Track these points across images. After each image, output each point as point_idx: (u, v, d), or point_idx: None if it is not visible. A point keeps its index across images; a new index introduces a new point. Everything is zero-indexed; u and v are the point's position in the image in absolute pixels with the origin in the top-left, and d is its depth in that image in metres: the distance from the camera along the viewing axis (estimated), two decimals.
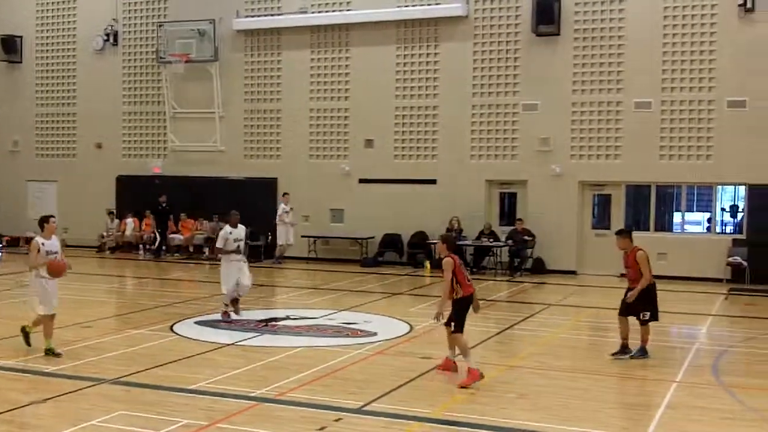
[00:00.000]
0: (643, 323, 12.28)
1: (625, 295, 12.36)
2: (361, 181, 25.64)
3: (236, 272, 15.21)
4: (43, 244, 11.79)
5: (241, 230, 15.36)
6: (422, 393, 10.25)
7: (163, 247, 27.07)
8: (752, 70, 21.49)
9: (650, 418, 9.26)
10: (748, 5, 21.47)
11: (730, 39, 21.78)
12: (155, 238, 27.22)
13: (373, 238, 25.33)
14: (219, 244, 15.30)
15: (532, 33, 23.45)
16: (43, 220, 12.03)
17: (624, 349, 12.34)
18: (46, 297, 11.80)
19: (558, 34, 23.23)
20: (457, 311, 11.06)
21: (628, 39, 22.68)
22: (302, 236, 25.90)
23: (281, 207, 25.08)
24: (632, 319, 12.35)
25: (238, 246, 15.28)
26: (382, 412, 9.29)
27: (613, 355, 12.31)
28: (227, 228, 15.22)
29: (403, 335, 14.01)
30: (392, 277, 22.56)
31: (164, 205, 27.04)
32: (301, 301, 18.16)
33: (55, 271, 11.81)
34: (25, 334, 12.26)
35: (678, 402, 9.97)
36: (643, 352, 12.28)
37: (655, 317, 12.34)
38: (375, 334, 14.10)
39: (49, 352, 11.75)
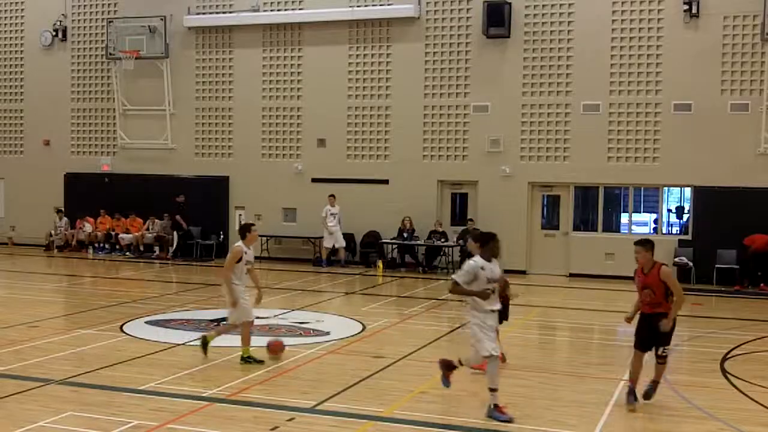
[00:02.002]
0: (662, 359, 9.84)
1: (646, 324, 9.76)
2: (314, 180, 25.63)
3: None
4: (245, 252, 11.65)
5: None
6: (375, 392, 10.31)
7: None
8: (697, 74, 21.94)
9: (599, 415, 9.42)
10: (693, 10, 21.93)
11: (676, 43, 22.22)
12: (109, 236, 26.95)
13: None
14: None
15: (482, 35, 23.66)
16: (245, 229, 11.80)
17: (633, 393, 9.86)
18: None
19: (508, 37, 23.48)
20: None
21: (576, 42, 23.02)
22: None
23: (326, 209, 24.34)
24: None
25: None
26: (335, 411, 9.34)
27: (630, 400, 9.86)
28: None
29: (355, 334, 14.07)
30: (345, 277, 22.60)
31: (182, 205, 26.44)
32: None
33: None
34: None
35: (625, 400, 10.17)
36: (653, 389, 9.95)
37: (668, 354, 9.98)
38: (328, 333, 14.14)
39: None
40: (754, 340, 14.16)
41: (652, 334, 9.67)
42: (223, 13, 26.49)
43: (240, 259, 11.61)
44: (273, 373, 11.01)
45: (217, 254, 25.68)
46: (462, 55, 24.13)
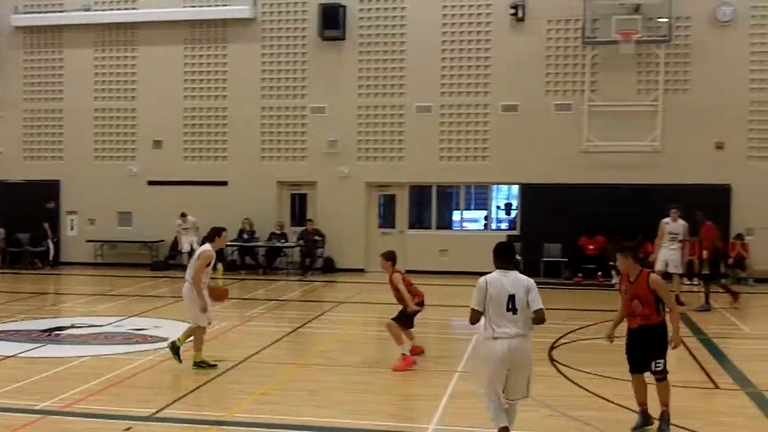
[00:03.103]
0: (659, 375, 8.65)
1: (636, 340, 8.73)
2: (150, 183, 25.12)
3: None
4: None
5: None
6: (215, 396, 10.32)
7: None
8: (523, 76, 23.00)
9: (435, 407, 9.73)
10: (519, 15, 22.96)
11: (503, 46, 23.20)
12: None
13: (163, 241, 24.90)
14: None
15: (318, 37, 23.90)
16: (217, 233, 11.73)
17: (645, 417, 8.78)
18: None
19: (343, 39, 23.83)
20: (407, 314, 11.90)
21: (409, 45, 23.64)
22: (87, 240, 25.08)
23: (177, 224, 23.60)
24: None
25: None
26: (175, 418, 9.28)
27: (633, 429, 8.75)
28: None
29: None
30: (184, 281, 22.23)
31: (52, 212, 25.20)
32: (87, 309, 17.57)
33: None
34: None
35: (460, 391, 10.54)
36: (667, 423, 8.63)
37: (666, 369, 8.70)
38: (166, 339, 13.90)
39: None
40: (579, 329, 14.93)
41: (645, 351, 8.64)
42: (53, 12, 25.53)
43: (209, 264, 11.50)
44: (109, 383, 10.78)
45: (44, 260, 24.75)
46: (298, 56, 24.29)
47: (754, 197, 21.88)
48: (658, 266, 17.54)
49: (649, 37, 22.08)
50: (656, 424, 8.61)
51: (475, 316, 7.78)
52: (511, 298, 7.65)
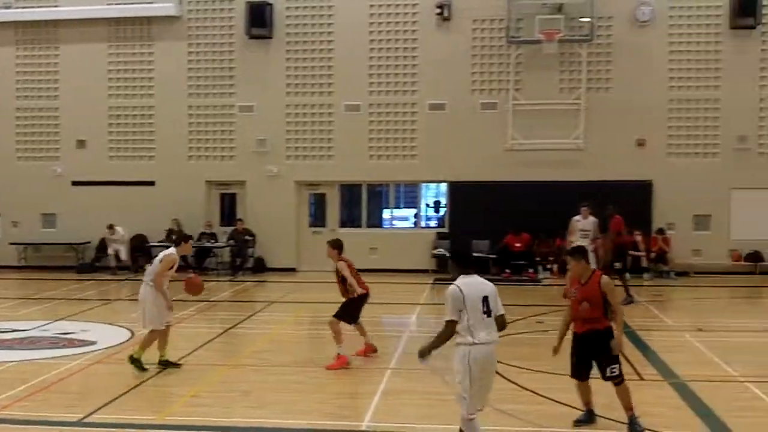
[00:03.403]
0: (615, 380, 8.60)
1: (581, 345, 8.71)
2: (75, 183, 24.68)
3: None
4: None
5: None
6: (146, 400, 10.25)
7: None
8: (450, 75, 23.25)
9: (368, 404, 9.87)
10: (445, 14, 23.21)
11: (430, 45, 23.42)
12: None
13: (89, 242, 24.50)
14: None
15: (245, 35, 23.78)
16: (185, 239, 11.97)
17: (590, 414, 8.87)
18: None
19: (271, 37, 23.75)
20: (349, 306, 11.93)
21: (336, 44, 23.69)
22: (10, 243, 24.54)
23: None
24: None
25: None
26: (104, 422, 9.19)
27: (576, 422, 8.86)
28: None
29: (123, 342, 13.79)
30: (111, 283, 21.99)
31: None
32: (11, 313, 17.18)
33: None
34: None
35: (392, 388, 10.70)
36: (637, 425, 8.53)
37: (622, 372, 8.66)
38: (94, 342, 13.77)
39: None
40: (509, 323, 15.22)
41: (590, 356, 8.62)
42: None
43: (171, 267, 11.53)
44: (36, 389, 10.61)
45: None
46: (225, 55, 24.14)
47: (674, 193, 22.55)
48: None
49: (571, 37, 22.53)
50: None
51: (452, 328, 7.47)
52: (485, 300, 7.52)
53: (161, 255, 11.80)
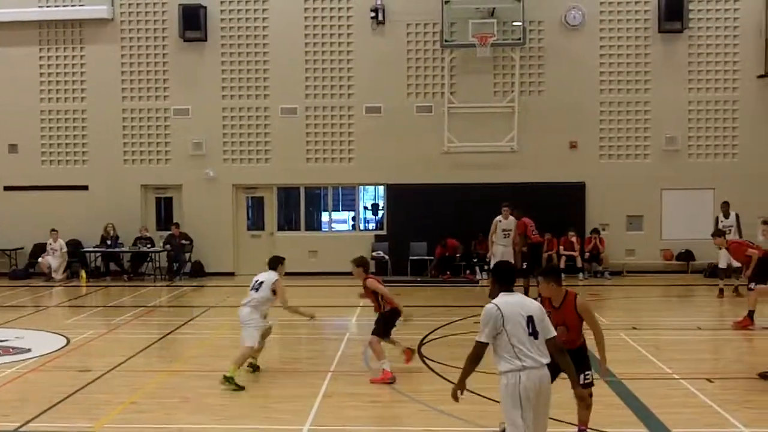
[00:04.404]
0: (587, 387, 8.20)
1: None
2: (7, 188, 24.19)
3: None
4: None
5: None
6: (83, 407, 10.10)
7: None
8: (386, 78, 23.39)
9: (309, 408, 9.88)
10: (380, 18, 23.34)
11: (365, 49, 23.53)
12: None
13: (22, 248, 24.05)
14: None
15: (179, 38, 23.58)
16: (280, 261, 12.10)
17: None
18: None
19: (205, 40, 23.61)
20: (388, 321, 11.58)
21: (272, 47, 23.64)
22: None
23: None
24: None
25: None
26: (41, 431, 9.07)
27: None
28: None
29: (59, 349, 13.57)
30: (45, 289, 21.60)
31: None
32: None
33: None
34: None
35: (333, 390, 10.75)
36: None
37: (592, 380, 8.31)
38: (29, 350, 13.53)
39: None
40: (446, 324, 15.37)
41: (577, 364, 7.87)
42: None
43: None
44: None
45: None
46: (159, 58, 23.91)
47: (606, 194, 23.04)
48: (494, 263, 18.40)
49: (504, 41, 22.88)
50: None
51: (480, 352, 6.77)
52: (530, 320, 6.72)
53: (271, 284, 11.80)
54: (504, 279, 7.00)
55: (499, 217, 18.69)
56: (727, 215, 19.60)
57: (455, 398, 6.98)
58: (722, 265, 18.71)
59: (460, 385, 6.97)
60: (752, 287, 14.82)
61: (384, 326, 11.65)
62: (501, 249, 18.46)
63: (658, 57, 23.21)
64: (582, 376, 8.02)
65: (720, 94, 23.19)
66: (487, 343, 6.71)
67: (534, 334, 6.70)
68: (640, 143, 23.33)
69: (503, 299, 6.81)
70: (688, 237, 22.96)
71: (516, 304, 6.78)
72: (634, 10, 23.23)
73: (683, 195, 23.08)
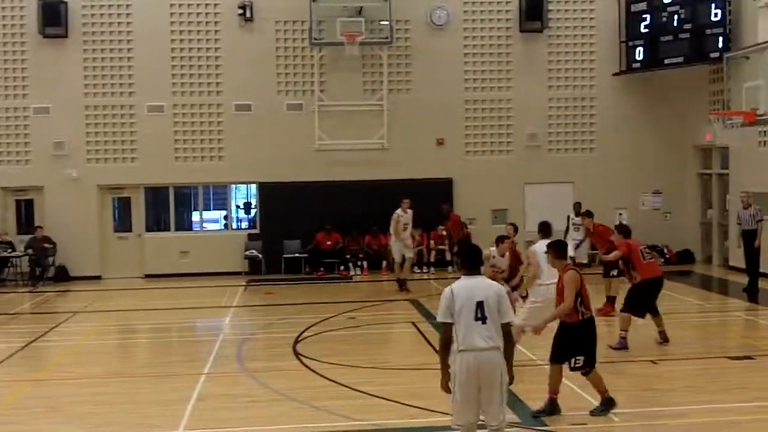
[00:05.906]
0: (582, 371, 9.01)
1: (560, 333, 9.12)
2: None
3: None
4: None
5: None
6: None
7: None
8: (255, 76, 23.19)
9: (182, 411, 9.74)
10: (248, 15, 23.15)
11: (234, 46, 23.23)
12: None
13: None
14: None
15: (39, 34, 22.72)
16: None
17: (552, 405, 9.07)
18: None
19: (66, 37, 22.82)
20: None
21: (137, 43, 23.03)
22: None
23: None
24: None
25: None
26: None
27: (536, 413, 9.12)
28: None
29: None
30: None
31: None
32: None
33: None
34: None
35: (208, 392, 10.64)
36: (608, 405, 9.06)
37: (590, 363, 8.98)
38: None
39: None
40: (320, 321, 15.42)
41: (567, 345, 8.93)
42: None
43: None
44: None
45: None
46: (17, 54, 22.91)
47: (472, 189, 23.60)
48: (397, 256, 19.40)
49: (372, 39, 23.08)
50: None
51: (446, 332, 6.93)
52: (480, 305, 6.87)
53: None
54: (466, 262, 7.21)
55: (399, 211, 19.34)
56: (578, 213, 20.32)
57: (446, 389, 7.06)
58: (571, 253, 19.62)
59: (443, 374, 7.05)
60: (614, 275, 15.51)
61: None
62: (399, 245, 19.32)
63: (519, 56, 23.94)
64: (573, 360, 8.84)
65: (578, 92, 24.12)
66: (450, 323, 6.89)
67: (482, 318, 6.85)
68: (503, 139, 24.01)
69: (460, 283, 7.01)
70: None
71: (470, 288, 6.95)
72: (497, 9, 23.87)
73: (544, 189, 23.87)
